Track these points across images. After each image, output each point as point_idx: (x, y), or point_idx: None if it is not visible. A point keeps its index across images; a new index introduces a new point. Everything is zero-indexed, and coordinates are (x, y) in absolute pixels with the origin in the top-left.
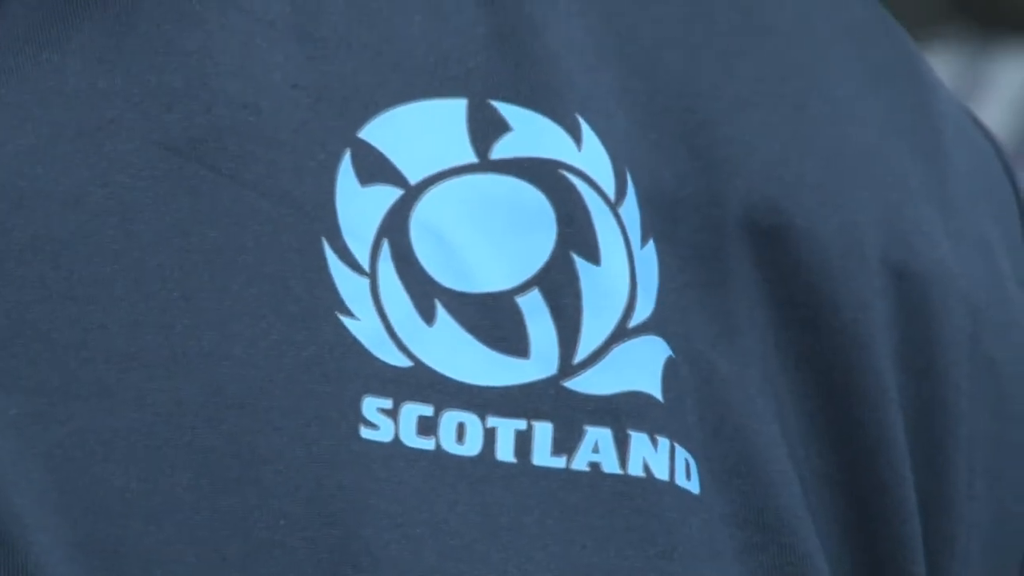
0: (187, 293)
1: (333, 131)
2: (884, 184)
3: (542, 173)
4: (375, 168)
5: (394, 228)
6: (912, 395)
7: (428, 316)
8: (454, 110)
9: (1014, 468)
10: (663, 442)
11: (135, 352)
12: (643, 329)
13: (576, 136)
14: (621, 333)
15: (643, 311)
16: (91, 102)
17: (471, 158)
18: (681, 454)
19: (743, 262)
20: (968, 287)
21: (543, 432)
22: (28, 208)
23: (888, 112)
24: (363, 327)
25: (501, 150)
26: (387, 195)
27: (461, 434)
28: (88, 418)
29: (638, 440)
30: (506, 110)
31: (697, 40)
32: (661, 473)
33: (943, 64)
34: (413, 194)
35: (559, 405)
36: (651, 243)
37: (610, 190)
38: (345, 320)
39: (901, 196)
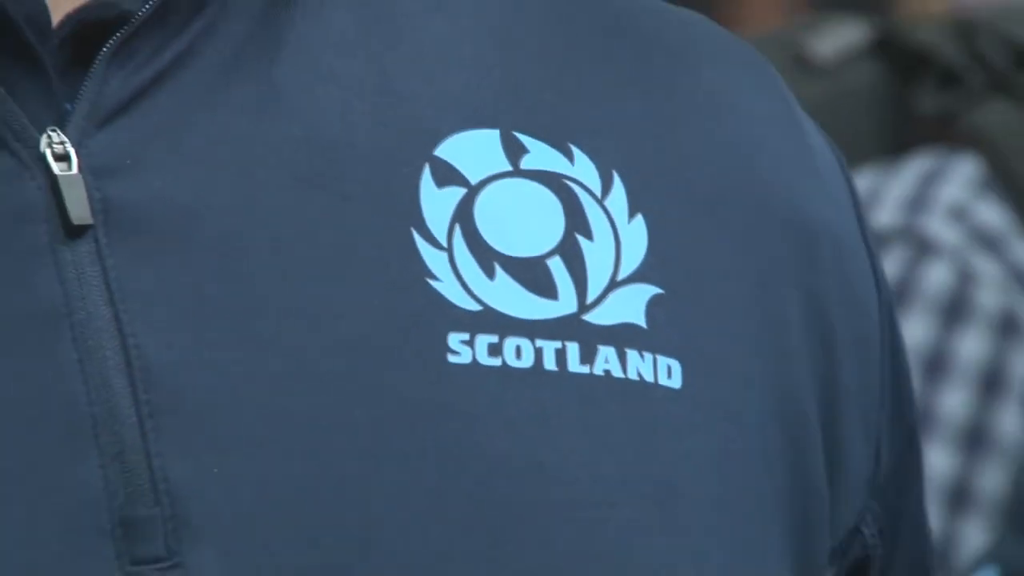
0: (314, 273)
1: (415, 152)
2: (779, 167)
3: (551, 180)
4: (447, 175)
5: (463, 215)
6: (804, 303)
7: (490, 273)
8: (491, 137)
9: (857, 346)
10: (648, 355)
11: (281, 312)
12: (631, 279)
13: (569, 157)
14: (613, 284)
15: (630, 266)
16: (247, 146)
17: (508, 167)
18: (664, 361)
19: (710, 222)
20: (832, 226)
21: (573, 349)
22: (205, 217)
23: (777, 120)
24: (444, 286)
25: (526, 163)
26: (456, 193)
27: (519, 353)
28: (253, 359)
29: (632, 355)
30: (523, 138)
31: (640, 75)
32: (648, 376)
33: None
34: (474, 191)
35: (580, 331)
36: (639, 218)
37: (597, 189)
38: (431, 282)
39: (789, 174)
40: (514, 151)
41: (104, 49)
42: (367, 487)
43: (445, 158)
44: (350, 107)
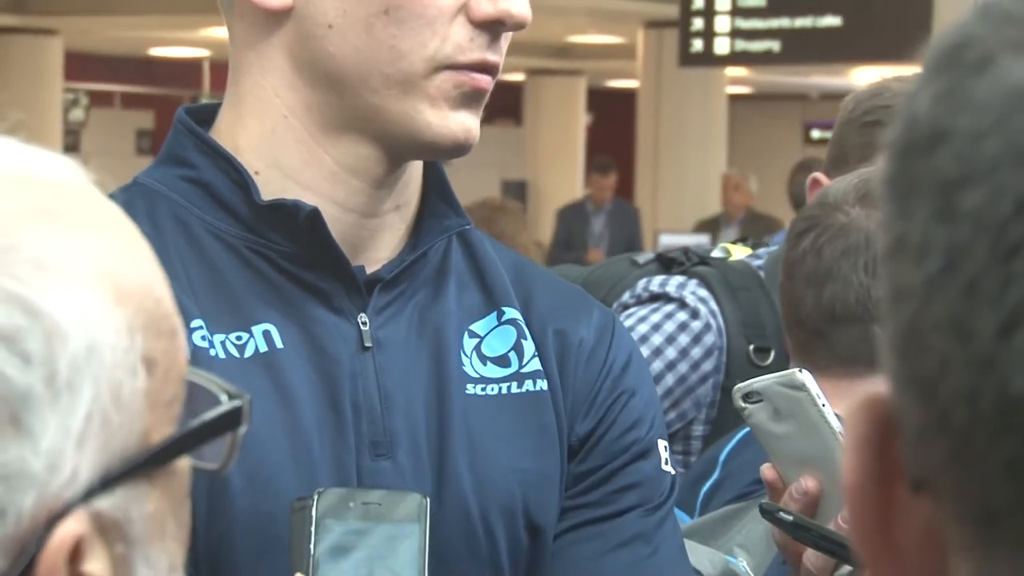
0: (436, 366)
1: (462, 328)
2: (569, 317)
3: (512, 322)
4: (473, 334)
5: (477, 347)
6: (559, 367)
7: (485, 363)
8: (493, 315)
9: (587, 363)
10: (544, 380)
11: (419, 376)
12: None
13: (517, 310)
14: (532, 357)
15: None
16: (418, 322)
17: (496, 323)
18: (546, 382)
19: (552, 327)
20: (583, 335)
21: (515, 385)
22: (408, 345)
23: (576, 307)
24: (467, 368)
25: (504, 317)
26: (476, 339)
27: (493, 389)
28: (415, 391)
29: (540, 382)
30: (504, 308)
31: (524, 277)
32: (544, 388)
33: None
34: (482, 339)
35: (519, 376)
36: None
37: (525, 323)
38: (463, 367)
39: (573, 319)
40: (501, 312)
41: (377, 287)
42: (444, 434)
43: (474, 328)
44: (449, 306)
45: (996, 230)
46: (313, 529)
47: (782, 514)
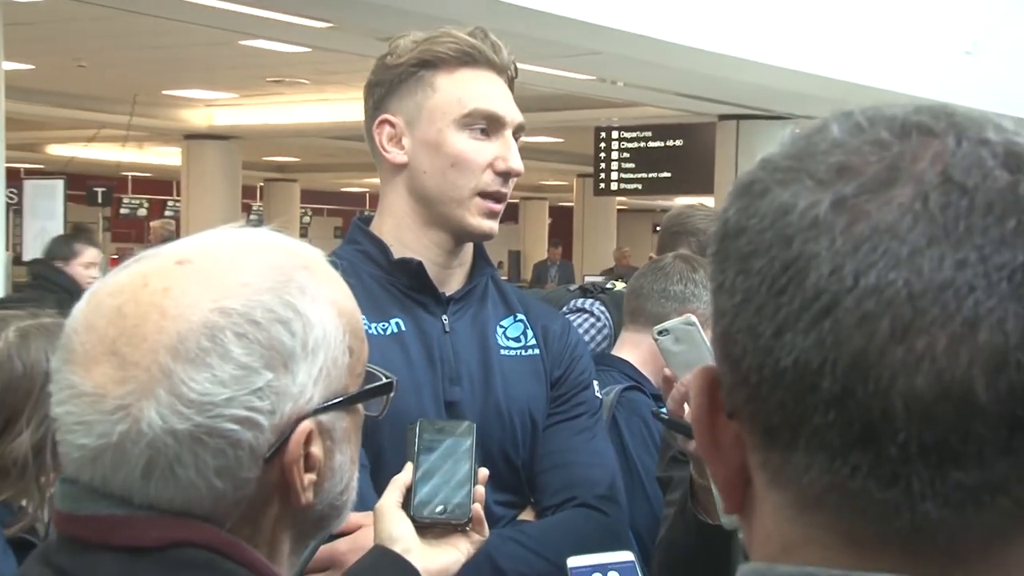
0: (482, 342)
1: (495, 324)
2: (545, 320)
3: (521, 320)
4: (503, 326)
5: (503, 330)
6: (541, 334)
7: (507, 339)
8: (511, 316)
9: (557, 342)
10: (541, 348)
11: (475, 345)
12: (536, 335)
13: (522, 314)
14: (532, 336)
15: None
16: (472, 326)
17: (513, 319)
18: (538, 351)
19: (530, 320)
20: (556, 327)
21: (524, 350)
22: (478, 336)
23: (554, 317)
24: (498, 340)
25: (517, 317)
26: (503, 328)
27: (512, 353)
28: (471, 350)
29: (540, 348)
30: (518, 313)
31: (516, 307)
32: (538, 352)
33: None
34: (505, 327)
35: (526, 346)
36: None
37: (527, 320)
38: (498, 337)
39: (548, 320)
40: (515, 316)
41: (451, 302)
42: (487, 374)
43: (502, 323)
44: (489, 313)
45: (771, 281)
46: (416, 439)
47: (661, 413)
